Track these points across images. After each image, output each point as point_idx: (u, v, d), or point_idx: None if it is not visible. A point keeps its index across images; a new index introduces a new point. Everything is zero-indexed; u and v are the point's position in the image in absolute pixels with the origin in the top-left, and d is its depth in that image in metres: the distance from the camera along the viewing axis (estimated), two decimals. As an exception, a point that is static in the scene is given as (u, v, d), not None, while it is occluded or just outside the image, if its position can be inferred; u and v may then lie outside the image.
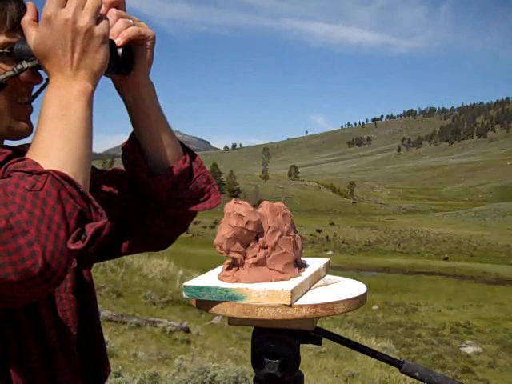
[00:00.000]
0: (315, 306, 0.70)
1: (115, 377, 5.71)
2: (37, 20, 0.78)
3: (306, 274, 0.80)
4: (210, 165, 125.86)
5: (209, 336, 10.96)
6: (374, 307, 24.82)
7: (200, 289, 0.69)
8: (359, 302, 0.75)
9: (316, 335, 0.76)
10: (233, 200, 0.77)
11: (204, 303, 0.71)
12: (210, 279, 0.74)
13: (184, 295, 0.70)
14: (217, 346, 9.96)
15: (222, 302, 0.68)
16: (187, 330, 10.83)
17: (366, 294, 0.77)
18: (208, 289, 0.69)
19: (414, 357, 15.63)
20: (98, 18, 0.74)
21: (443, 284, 35.83)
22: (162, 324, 10.55)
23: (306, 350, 9.76)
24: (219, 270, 0.80)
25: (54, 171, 0.63)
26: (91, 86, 0.73)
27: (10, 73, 0.79)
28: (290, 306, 0.68)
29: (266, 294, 0.68)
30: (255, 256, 0.74)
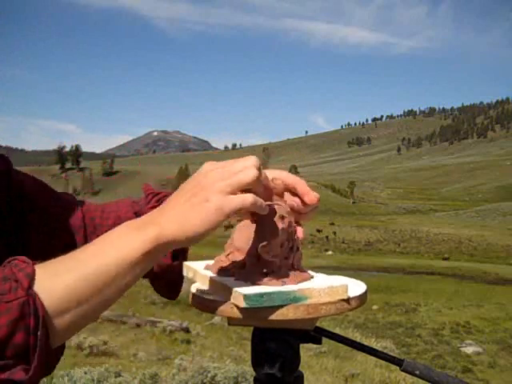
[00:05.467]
0: (359, 297, 0.70)
1: (115, 377, 5.71)
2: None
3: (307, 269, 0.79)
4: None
5: (209, 336, 10.96)
6: (374, 307, 24.82)
7: (261, 295, 0.65)
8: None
9: (316, 335, 0.76)
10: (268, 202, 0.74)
11: (255, 311, 0.65)
12: (251, 286, 0.69)
13: (244, 305, 0.64)
14: (217, 346, 9.97)
15: (283, 305, 0.65)
16: (187, 330, 10.83)
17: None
18: (269, 294, 0.65)
19: (414, 357, 15.63)
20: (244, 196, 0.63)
21: (443, 284, 35.83)
22: (162, 324, 10.56)
23: (306, 350, 9.77)
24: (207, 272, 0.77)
25: (36, 298, 0.53)
26: (161, 248, 0.61)
27: None
28: (348, 300, 0.68)
29: (326, 291, 0.67)
30: (287, 258, 0.73)
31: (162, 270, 0.94)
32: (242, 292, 0.64)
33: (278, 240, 0.70)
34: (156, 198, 0.97)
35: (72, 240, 0.93)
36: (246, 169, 0.63)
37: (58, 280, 0.56)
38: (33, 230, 0.89)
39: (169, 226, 0.61)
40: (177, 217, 0.62)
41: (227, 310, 0.67)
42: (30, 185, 0.91)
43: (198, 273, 0.80)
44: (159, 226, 0.61)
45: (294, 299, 0.65)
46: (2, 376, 0.51)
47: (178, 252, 0.95)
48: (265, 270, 0.70)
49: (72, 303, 0.56)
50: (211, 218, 0.61)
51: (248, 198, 0.63)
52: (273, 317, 0.65)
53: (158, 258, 0.63)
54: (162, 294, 1.01)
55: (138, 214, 0.95)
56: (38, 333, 0.52)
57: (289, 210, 0.73)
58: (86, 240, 0.93)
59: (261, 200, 0.65)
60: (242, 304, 0.64)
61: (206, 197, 0.62)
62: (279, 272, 0.71)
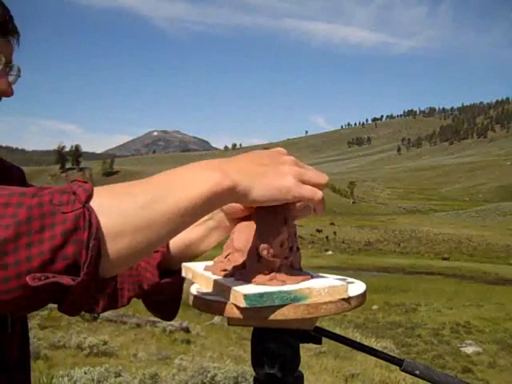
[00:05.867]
0: (358, 296, 0.70)
1: (115, 377, 5.71)
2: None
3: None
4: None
5: (209, 336, 10.96)
6: (374, 307, 24.80)
7: (261, 295, 0.64)
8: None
9: (316, 335, 0.76)
10: None
11: (255, 311, 0.65)
12: (251, 286, 0.69)
13: (244, 305, 0.63)
14: (217, 346, 9.97)
15: (284, 305, 0.65)
16: (187, 330, 10.83)
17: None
18: (270, 294, 0.65)
19: (413, 357, 15.62)
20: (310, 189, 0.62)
21: (443, 284, 35.82)
22: (162, 324, 10.55)
23: (306, 350, 9.77)
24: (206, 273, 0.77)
25: (92, 213, 0.50)
26: (222, 195, 0.57)
27: None
28: (348, 299, 0.67)
29: (327, 290, 0.66)
30: (287, 258, 0.72)
31: (153, 289, 0.91)
32: (242, 291, 0.64)
33: (278, 240, 0.69)
34: None
35: None
36: (319, 173, 0.64)
37: (115, 202, 0.53)
38: None
39: (235, 177, 0.58)
40: (246, 172, 0.59)
41: (228, 309, 0.67)
42: None
43: (197, 274, 0.79)
44: (224, 173, 0.57)
45: (294, 299, 0.65)
46: (50, 281, 0.48)
47: (168, 271, 0.91)
48: (266, 271, 0.70)
49: (126, 229, 0.52)
50: (277, 192, 0.60)
51: (319, 194, 0.62)
52: (273, 316, 0.65)
53: (217, 206, 0.59)
54: (156, 314, 0.97)
55: None
56: (90, 244, 0.49)
57: (289, 208, 0.72)
58: None
59: (324, 202, 0.64)
60: (242, 304, 0.63)
61: (282, 171, 0.60)
62: (279, 272, 0.70)
